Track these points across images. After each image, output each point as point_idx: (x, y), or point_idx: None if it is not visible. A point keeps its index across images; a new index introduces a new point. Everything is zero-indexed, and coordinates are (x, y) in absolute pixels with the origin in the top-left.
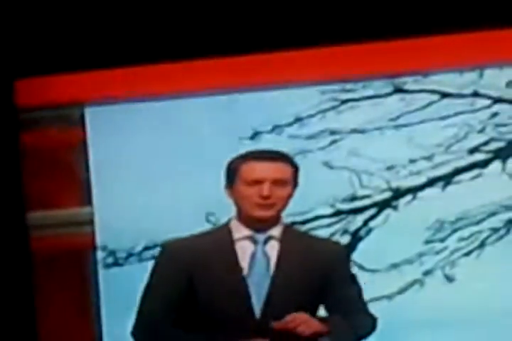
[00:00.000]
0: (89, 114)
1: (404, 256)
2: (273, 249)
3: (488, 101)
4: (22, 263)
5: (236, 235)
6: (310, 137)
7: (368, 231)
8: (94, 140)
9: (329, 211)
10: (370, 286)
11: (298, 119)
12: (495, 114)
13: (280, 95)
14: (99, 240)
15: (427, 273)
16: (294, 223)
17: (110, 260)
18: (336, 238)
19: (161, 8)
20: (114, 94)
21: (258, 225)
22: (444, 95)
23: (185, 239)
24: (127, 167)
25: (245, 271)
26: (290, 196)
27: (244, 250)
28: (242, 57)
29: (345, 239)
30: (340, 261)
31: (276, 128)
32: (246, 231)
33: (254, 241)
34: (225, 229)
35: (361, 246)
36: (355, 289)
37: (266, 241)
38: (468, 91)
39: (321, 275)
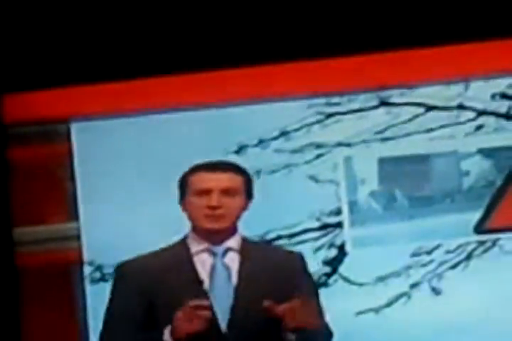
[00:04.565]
0: (76, 129)
1: (391, 269)
2: (233, 260)
3: (473, 114)
4: (8, 279)
5: (193, 248)
6: (295, 151)
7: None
8: (80, 155)
9: (315, 224)
10: (357, 299)
11: (283, 133)
12: (480, 127)
13: (265, 109)
14: (86, 255)
15: (413, 286)
16: (280, 237)
17: (97, 275)
18: (323, 252)
19: (147, 24)
20: (100, 110)
21: (214, 237)
22: (430, 108)
23: (140, 259)
24: (114, 182)
25: (206, 284)
26: (243, 207)
27: (203, 263)
28: (227, 71)
29: (332, 253)
30: (300, 270)
31: (261, 142)
32: (203, 244)
33: (213, 254)
34: (182, 244)
35: (348, 259)
36: (317, 301)
37: (224, 253)
38: (453, 103)
39: (284, 285)
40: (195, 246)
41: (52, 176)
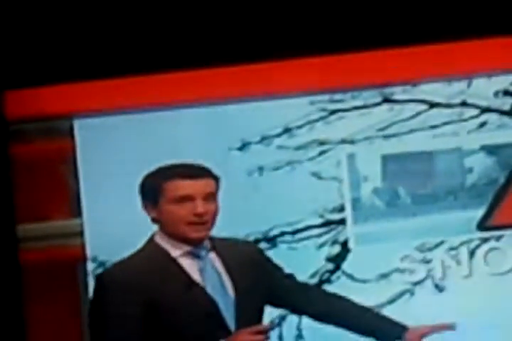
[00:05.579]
0: (79, 125)
1: (394, 266)
2: (215, 260)
3: (476, 111)
4: (12, 276)
5: (174, 252)
6: (299, 148)
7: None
8: (83, 152)
9: (319, 221)
10: (360, 296)
11: (287, 130)
12: (483, 124)
13: (269, 106)
14: (89, 251)
15: (417, 283)
16: (283, 233)
17: (101, 271)
18: (326, 248)
19: (148, 21)
20: (103, 106)
21: (194, 241)
22: (433, 105)
23: (118, 266)
24: (117, 178)
25: (202, 286)
26: (218, 210)
27: (190, 266)
28: (230, 68)
29: (335, 249)
30: (263, 256)
31: (265, 139)
32: (184, 247)
33: (198, 256)
34: (155, 247)
35: (351, 256)
36: (292, 278)
37: (207, 254)
38: (456, 100)
39: (261, 273)
40: (176, 250)
41: (55, 173)
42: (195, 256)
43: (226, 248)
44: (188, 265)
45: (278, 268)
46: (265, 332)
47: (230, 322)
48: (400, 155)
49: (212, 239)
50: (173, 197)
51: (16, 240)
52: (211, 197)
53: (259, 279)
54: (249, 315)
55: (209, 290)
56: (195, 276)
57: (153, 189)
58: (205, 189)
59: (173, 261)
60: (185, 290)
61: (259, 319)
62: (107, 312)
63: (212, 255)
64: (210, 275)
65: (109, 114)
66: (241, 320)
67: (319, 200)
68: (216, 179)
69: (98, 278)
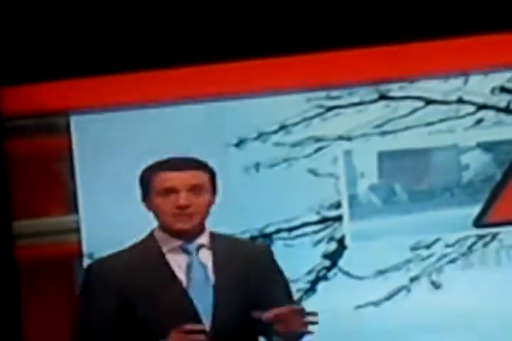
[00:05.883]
0: (75, 122)
1: (391, 263)
2: (206, 257)
3: (472, 108)
4: (8, 272)
5: (165, 247)
6: (295, 144)
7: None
8: (79, 148)
9: (315, 218)
10: (356, 293)
11: (283, 127)
12: (479, 121)
13: (265, 102)
14: (85, 248)
15: (413, 279)
16: (279, 230)
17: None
18: (323, 245)
19: (143, 17)
20: (99, 102)
21: (185, 236)
22: (429, 102)
23: (110, 258)
24: (113, 175)
25: (184, 284)
26: (210, 204)
27: (178, 262)
28: (226, 65)
29: (331, 246)
30: (269, 262)
31: (261, 136)
32: (175, 242)
33: (187, 252)
34: (151, 242)
35: (347, 253)
36: (287, 291)
37: (197, 250)
38: (453, 97)
39: (255, 277)
40: (167, 244)
41: (52, 169)
42: (184, 251)
43: (227, 246)
44: (176, 261)
45: (282, 276)
46: (199, 333)
47: (207, 324)
48: (397, 152)
49: (215, 236)
50: (160, 189)
51: (12, 237)
52: (198, 189)
53: (250, 283)
54: (225, 317)
55: (190, 288)
56: (180, 274)
57: (145, 181)
58: (191, 181)
59: (162, 256)
60: (167, 289)
61: (238, 322)
62: (88, 301)
63: (206, 252)
64: (196, 273)
65: (106, 110)
66: (217, 324)
67: (316, 197)
68: (210, 172)
69: (87, 267)
